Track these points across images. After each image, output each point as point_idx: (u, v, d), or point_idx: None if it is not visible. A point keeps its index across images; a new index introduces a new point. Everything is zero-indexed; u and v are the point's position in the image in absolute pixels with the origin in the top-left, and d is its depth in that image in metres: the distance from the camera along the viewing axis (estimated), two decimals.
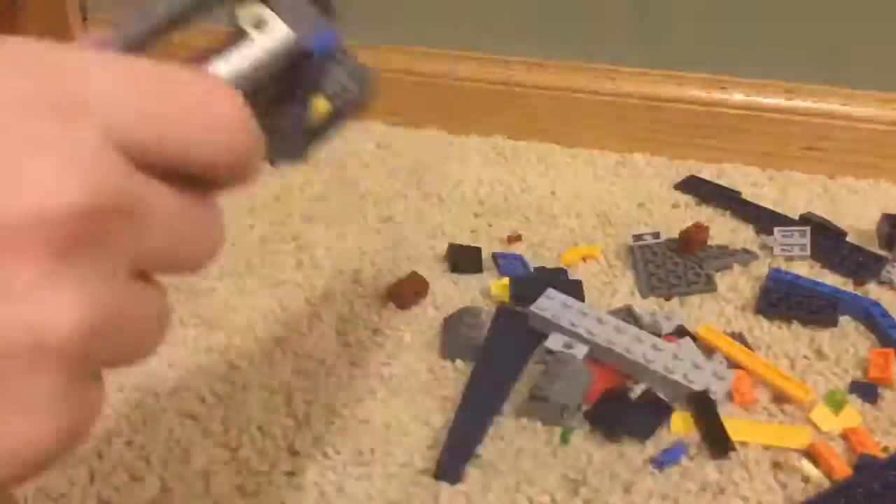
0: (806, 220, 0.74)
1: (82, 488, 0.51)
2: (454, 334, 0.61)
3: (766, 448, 0.52)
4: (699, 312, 0.64)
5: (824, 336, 0.61)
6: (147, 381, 0.59)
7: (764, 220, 0.74)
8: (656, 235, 0.71)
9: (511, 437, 0.54)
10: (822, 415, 0.54)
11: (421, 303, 0.66)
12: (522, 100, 0.90)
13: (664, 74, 0.86)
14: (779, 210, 0.77)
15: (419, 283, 0.66)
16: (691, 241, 0.68)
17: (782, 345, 0.60)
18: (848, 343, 0.60)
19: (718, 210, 0.77)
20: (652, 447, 0.52)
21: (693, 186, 0.81)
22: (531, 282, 0.65)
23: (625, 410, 0.54)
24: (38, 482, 0.51)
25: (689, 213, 0.77)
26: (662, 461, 0.50)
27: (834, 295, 0.64)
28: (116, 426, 0.56)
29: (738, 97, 0.84)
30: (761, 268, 0.69)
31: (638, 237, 0.72)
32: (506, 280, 0.66)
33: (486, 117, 0.92)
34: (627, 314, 0.63)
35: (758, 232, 0.73)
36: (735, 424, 0.53)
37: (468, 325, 0.61)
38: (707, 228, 0.70)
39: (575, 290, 0.65)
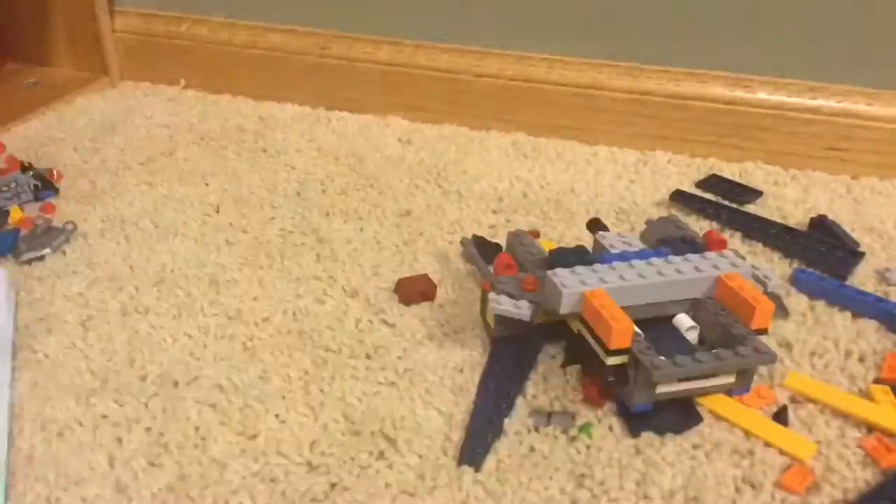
0: (818, 224, 0.73)
1: (102, 473, 0.52)
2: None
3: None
4: None
5: (847, 336, 0.61)
6: (167, 369, 0.60)
7: (763, 230, 0.72)
8: None
9: (523, 432, 0.54)
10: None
11: (432, 300, 0.66)
12: (543, 96, 0.90)
13: (686, 72, 0.85)
14: (800, 210, 0.76)
15: (426, 285, 0.66)
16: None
17: (807, 344, 0.60)
18: (868, 344, 0.60)
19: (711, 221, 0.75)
20: (671, 444, 0.52)
21: (714, 185, 0.81)
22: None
23: (655, 408, 0.53)
24: (58, 466, 0.52)
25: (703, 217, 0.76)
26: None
27: (858, 297, 0.63)
28: (136, 413, 0.56)
29: (761, 96, 0.83)
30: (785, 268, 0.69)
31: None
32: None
33: (506, 113, 0.92)
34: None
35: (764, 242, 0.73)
36: (751, 416, 0.53)
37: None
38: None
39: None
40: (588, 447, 0.52)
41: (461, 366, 0.59)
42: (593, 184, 0.83)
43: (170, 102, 1.04)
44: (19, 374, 0.60)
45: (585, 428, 0.53)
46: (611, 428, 0.53)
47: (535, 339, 0.60)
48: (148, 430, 0.55)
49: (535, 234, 0.73)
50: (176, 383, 0.59)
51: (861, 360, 0.59)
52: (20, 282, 0.70)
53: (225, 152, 0.91)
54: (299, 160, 0.89)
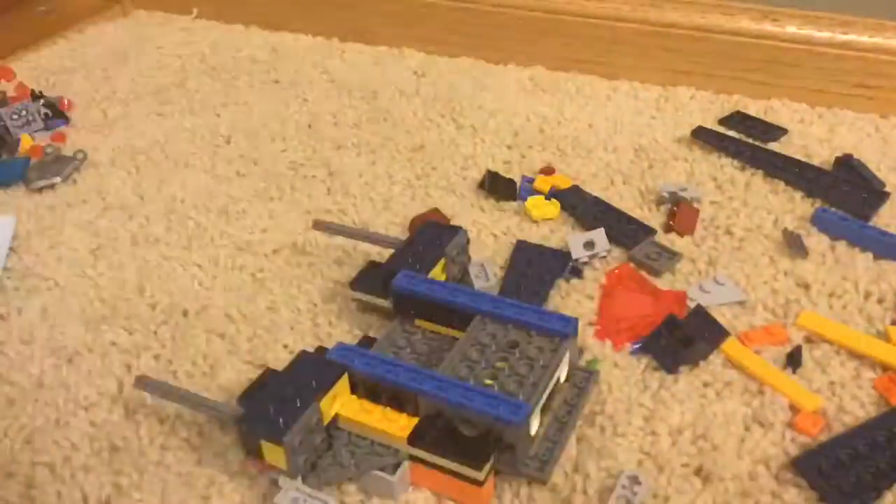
0: (843, 164, 0.70)
1: (111, 398, 0.52)
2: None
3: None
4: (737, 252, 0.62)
5: (867, 277, 0.59)
6: (176, 299, 0.60)
7: (789, 170, 0.70)
8: (683, 189, 0.67)
9: None
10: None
11: None
12: (563, 29, 0.87)
13: (712, 4, 0.82)
14: (825, 149, 0.74)
15: (438, 220, 0.65)
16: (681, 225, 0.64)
17: (825, 285, 0.59)
18: (889, 286, 0.58)
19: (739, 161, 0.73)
20: (682, 381, 0.52)
21: (737, 123, 0.78)
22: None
23: (682, 340, 0.53)
24: (68, 391, 0.53)
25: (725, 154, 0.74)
26: None
27: (881, 238, 0.61)
28: (145, 340, 0.56)
29: (790, 30, 0.80)
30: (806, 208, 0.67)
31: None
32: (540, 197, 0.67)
33: (525, 47, 0.90)
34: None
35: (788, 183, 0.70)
36: (759, 363, 0.52)
37: None
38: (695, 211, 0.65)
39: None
40: (597, 383, 0.52)
41: None
42: (612, 120, 0.80)
43: (182, 32, 1.02)
44: (30, 302, 0.60)
45: (592, 363, 0.52)
46: (616, 364, 0.53)
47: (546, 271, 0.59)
48: (157, 357, 0.55)
49: (550, 171, 0.72)
50: (185, 312, 0.59)
51: (880, 301, 0.57)
52: (30, 209, 0.70)
53: (237, 83, 0.90)
54: (311, 92, 0.87)
